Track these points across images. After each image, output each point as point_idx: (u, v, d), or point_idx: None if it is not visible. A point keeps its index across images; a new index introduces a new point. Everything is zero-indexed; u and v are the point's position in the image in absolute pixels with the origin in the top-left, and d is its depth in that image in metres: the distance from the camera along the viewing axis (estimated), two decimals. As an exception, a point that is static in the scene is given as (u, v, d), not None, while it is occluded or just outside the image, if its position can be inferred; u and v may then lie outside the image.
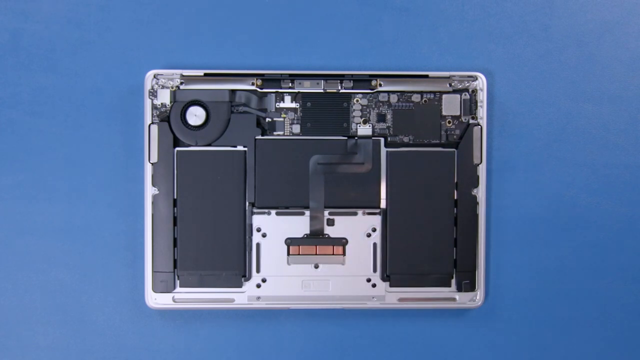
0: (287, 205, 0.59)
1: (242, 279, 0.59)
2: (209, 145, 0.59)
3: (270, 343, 0.61)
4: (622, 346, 0.62)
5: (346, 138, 0.59)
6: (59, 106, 0.60)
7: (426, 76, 0.59)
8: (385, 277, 0.59)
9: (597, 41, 0.62)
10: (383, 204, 0.59)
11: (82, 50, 0.60)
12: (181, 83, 0.59)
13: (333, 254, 0.59)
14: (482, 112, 0.59)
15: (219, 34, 0.61)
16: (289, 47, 0.61)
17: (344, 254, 0.59)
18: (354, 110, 0.59)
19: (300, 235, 0.59)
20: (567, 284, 0.62)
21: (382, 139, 0.59)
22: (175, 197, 0.59)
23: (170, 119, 0.58)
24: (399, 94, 0.59)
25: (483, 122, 0.59)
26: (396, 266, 0.59)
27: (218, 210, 0.59)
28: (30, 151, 0.60)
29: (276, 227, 0.59)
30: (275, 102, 0.59)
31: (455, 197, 0.59)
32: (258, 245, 0.59)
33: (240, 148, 0.59)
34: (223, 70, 0.59)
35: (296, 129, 0.59)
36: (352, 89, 0.59)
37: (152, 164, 0.58)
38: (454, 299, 0.60)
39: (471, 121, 0.60)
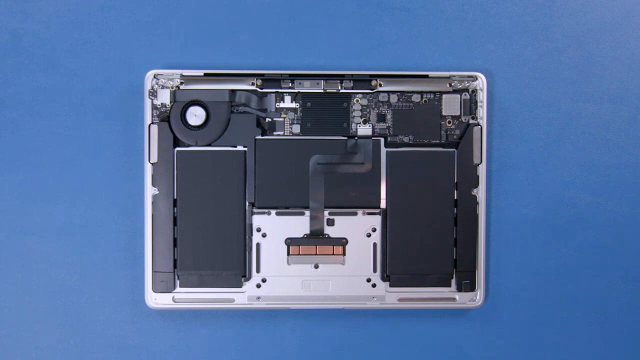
0: (287, 205, 0.59)
1: (242, 279, 0.59)
2: (209, 145, 0.59)
3: (270, 343, 0.61)
4: (622, 346, 0.62)
5: (346, 138, 0.59)
6: (59, 106, 0.60)
7: (426, 76, 0.59)
8: (385, 277, 0.59)
9: (597, 41, 0.62)
10: (383, 204, 0.59)
11: (82, 50, 0.60)
12: (181, 83, 0.59)
13: (333, 254, 0.59)
14: (482, 112, 0.59)
15: (219, 34, 0.61)
16: (289, 47, 0.61)
17: (344, 254, 0.59)
18: (354, 110, 0.59)
19: (300, 235, 0.59)
20: (567, 284, 0.62)
21: (382, 139, 0.59)
22: (175, 197, 0.59)
23: (170, 119, 0.58)
24: (399, 94, 0.59)
25: (483, 122, 0.59)
26: (396, 266, 0.59)
27: (218, 210, 0.59)
28: (30, 151, 0.60)
29: (276, 227, 0.59)
30: (275, 102, 0.59)
31: (455, 197, 0.59)
32: (258, 245, 0.59)
33: (240, 148, 0.59)
34: (223, 70, 0.59)
35: (296, 129, 0.59)
36: (352, 89, 0.59)
37: (152, 164, 0.58)
38: (454, 299, 0.60)
39: (471, 121, 0.60)
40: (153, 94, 0.59)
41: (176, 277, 0.59)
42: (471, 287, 0.60)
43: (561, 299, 0.62)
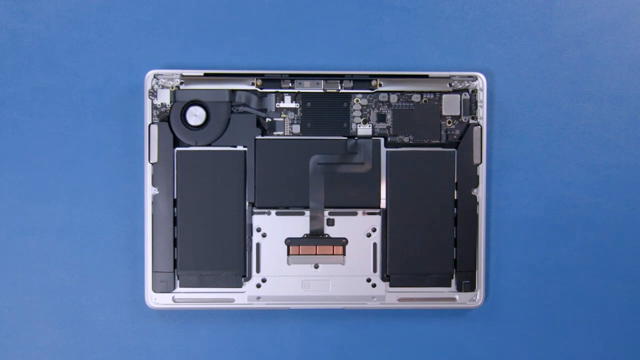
0: (287, 205, 0.59)
1: (242, 279, 0.59)
2: (209, 145, 0.59)
3: (270, 343, 0.61)
4: (622, 346, 0.62)
5: (346, 138, 0.59)
6: (59, 106, 0.60)
7: (426, 76, 0.59)
8: (385, 277, 0.59)
9: (597, 41, 0.62)
10: (383, 204, 0.59)
11: (82, 50, 0.60)
12: (181, 83, 0.59)
13: (333, 254, 0.59)
14: (482, 112, 0.59)
15: (219, 34, 0.61)
16: (289, 47, 0.61)
17: (344, 254, 0.59)
18: (354, 110, 0.59)
19: (300, 235, 0.59)
20: (567, 284, 0.62)
21: (382, 139, 0.59)
22: (175, 197, 0.59)
23: (170, 119, 0.58)
24: (399, 94, 0.59)
25: (483, 122, 0.59)
26: (396, 266, 0.59)
27: (218, 210, 0.59)
28: (30, 151, 0.60)
29: (276, 227, 0.59)
30: (275, 102, 0.59)
31: (455, 197, 0.59)
32: (258, 245, 0.59)
33: (240, 148, 0.59)
34: (223, 70, 0.59)
35: (296, 129, 0.59)
36: (352, 89, 0.59)
37: (152, 164, 0.58)
38: (454, 299, 0.60)
39: (471, 121, 0.60)
40: (153, 94, 0.59)
41: (176, 277, 0.59)
42: (471, 287, 0.60)
43: (561, 299, 0.62)
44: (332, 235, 0.59)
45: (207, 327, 0.61)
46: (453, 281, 0.60)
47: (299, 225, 0.59)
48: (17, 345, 0.61)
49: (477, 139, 0.59)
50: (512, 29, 0.62)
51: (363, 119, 0.59)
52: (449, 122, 0.60)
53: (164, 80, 0.59)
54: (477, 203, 0.59)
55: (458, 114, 0.60)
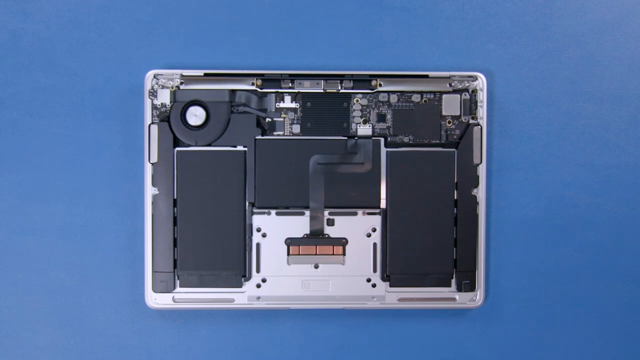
0: (287, 205, 0.59)
1: (242, 279, 0.59)
2: (209, 145, 0.59)
3: (270, 343, 0.61)
4: (622, 346, 0.62)
5: (346, 138, 0.59)
6: (59, 106, 0.60)
7: (426, 76, 0.59)
8: (385, 277, 0.59)
9: (597, 41, 0.62)
10: (383, 204, 0.59)
11: (82, 50, 0.60)
12: (181, 83, 0.59)
13: (333, 254, 0.59)
14: (482, 112, 0.59)
15: (219, 34, 0.61)
16: (289, 47, 0.61)
17: (344, 254, 0.59)
18: (354, 110, 0.59)
19: (300, 235, 0.59)
20: (567, 284, 0.62)
21: (382, 139, 0.59)
22: (175, 197, 0.59)
23: (170, 119, 0.58)
24: (399, 94, 0.59)
25: (483, 122, 0.59)
26: (396, 266, 0.59)
27: (218, 210, 0.59)
28: (30, 151, 0.60)
29: (276, 227, 0.59)
30: (275, 102, 0.59)
31: (455, 197, 0.59)
32: (258, 245, 0.59)
33: (240, 148, 0.59)
34: (223, 70, 0.59)
35: (296, 129, 0.59)
36: (352, 89, 0.59)
37: (152, 164, 0.58)
38: (454, 299, 0.60)
39: (471, 121, 0.60)
40: (153, 94, 0.59)
41: (176, 277, 0.59)
42: (471, 287, 0.60)
43: (561, 299, 0.62)
44: (332, 235, 0.59)
45: (207, 327, 0.61)
46: (453, 281, 0.60)
47: (299, 225, 0.59)
48: (17, 345, 0.61)
49: (477, 139, 0.59)
50: (512, 29, 0.62)
51: (363, 119, 0.59)
52: (449, 122, 0.60)
53: (164, 80, 0.59)
54: (477, 203, 0.59)
55: (458, 114, 0.60)
